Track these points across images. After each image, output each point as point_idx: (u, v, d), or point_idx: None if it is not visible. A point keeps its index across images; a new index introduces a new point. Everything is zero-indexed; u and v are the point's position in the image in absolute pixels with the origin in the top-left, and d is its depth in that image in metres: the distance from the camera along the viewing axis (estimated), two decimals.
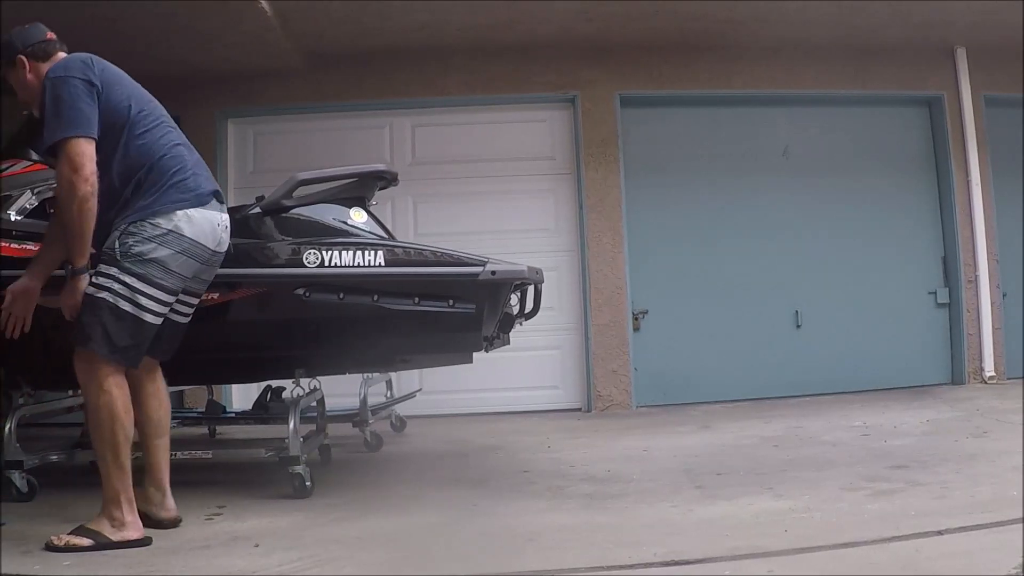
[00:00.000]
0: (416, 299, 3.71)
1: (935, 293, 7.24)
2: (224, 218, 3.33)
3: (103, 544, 3.00)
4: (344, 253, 3.71)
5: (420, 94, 6.96)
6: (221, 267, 3.53)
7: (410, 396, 5.90)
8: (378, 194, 4.32)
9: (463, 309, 3.72)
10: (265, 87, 6.86)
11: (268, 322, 3.81)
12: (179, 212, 3.14)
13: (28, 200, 3.95)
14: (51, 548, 2.98)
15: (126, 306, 3.04)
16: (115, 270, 3.05)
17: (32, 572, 2.78)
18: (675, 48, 6.80)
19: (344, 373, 4.51)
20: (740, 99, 7.12)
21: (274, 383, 5.27)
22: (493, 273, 3.71)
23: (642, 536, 2.99)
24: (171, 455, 3.49)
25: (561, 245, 6.87)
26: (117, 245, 3.06)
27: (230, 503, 3.71)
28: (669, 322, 6.85)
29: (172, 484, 3.40)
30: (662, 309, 6.84)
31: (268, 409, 5.23)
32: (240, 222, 3.88)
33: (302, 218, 3.96)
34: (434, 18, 6.23)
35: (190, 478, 4.20)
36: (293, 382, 4.03)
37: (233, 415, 5.64)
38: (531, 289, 4.26)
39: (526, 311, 4.28)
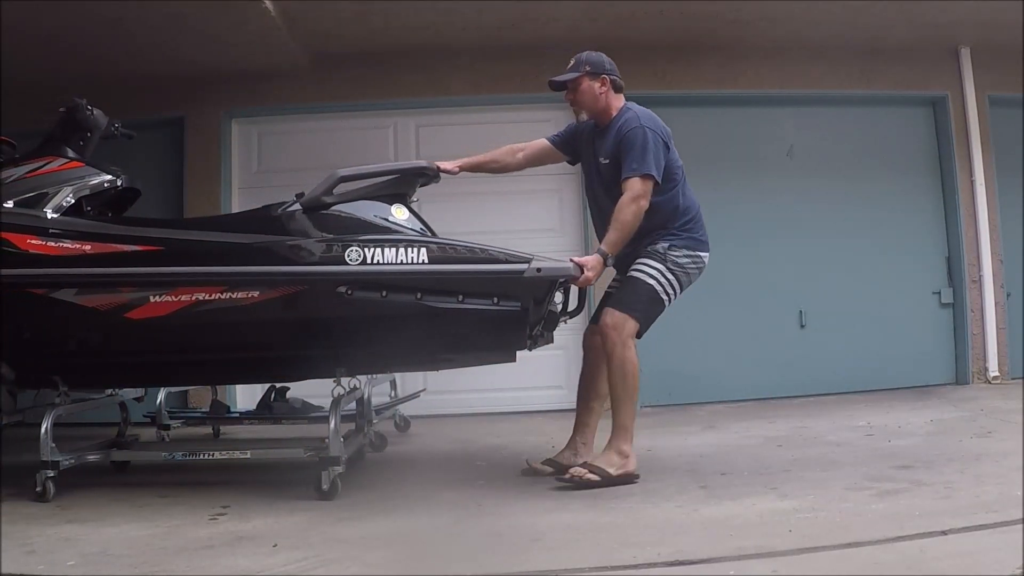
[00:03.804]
0: (460, 297, 3.67)
1: (939, 293, 7.23)
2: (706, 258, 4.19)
3: (606, 479, 3.79)
4: (387, 250, 3.66)
5: (425, 94, 6.96)
6: (261, 265, 3.59)
7: (414, 396, 5.89)
8: None
9: (508, 307, 3.69)
10: (270, 87, 6.86)
11: (309, 320, 3.76)
12: (703, 254, 4.16)
13: (65, 198, 3.95)
14: (565, 481, 3.82)
15: (663, 295, 4.02)
16: (663, 267, 4.01)
17: (35, 571, 2.79)
18: (680, 48, 6.80)
19: (385, 372, 4.44)
20: (745, 99, 7.12)
21: (278, 384, 5.30)
22: (538, 270, 3.67)
23: (647, 536, 3.00)
24: (207, 456, 3.85)
25: (566, 245, 6.86)
26: (666, 252, 4.03)
27: (234, 503, 3.71)
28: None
29: (175, 484, 3.42)
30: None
31: (272, 409, 5.24)
32: (279, 219, 3.88)
33: (343, 215, 3.89)
34: (439, 18, 6.24)
35: (194, 478, 4.21)
36: (334, 381, 3.97)
37: (237, 415, 5.65)
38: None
39: (569, 309, 4.20)
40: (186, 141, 6.90)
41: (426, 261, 3.66)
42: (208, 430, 5.69)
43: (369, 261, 3.65)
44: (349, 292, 3.65)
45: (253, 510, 3.59)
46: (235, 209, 6.81)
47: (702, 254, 4.16)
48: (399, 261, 3.65)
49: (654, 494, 3.67)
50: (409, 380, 6.21)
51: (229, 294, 3.70)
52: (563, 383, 6.84)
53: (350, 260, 3.66)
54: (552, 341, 4.29)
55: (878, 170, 7.20)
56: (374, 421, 5.05)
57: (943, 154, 7.29)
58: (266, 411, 5.28)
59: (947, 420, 5.35)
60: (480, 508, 3.56)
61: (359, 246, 3.66)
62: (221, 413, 5.51)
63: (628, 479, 3.86)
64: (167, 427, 5.25)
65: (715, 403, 6.66)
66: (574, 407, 6.76)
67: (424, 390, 6.07)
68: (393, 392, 5.73)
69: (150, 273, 3.76)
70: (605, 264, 3.91)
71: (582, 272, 3.81)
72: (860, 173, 7.17)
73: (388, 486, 4.00)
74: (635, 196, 3.89)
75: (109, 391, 4.63)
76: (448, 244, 3.77)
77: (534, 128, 6.95)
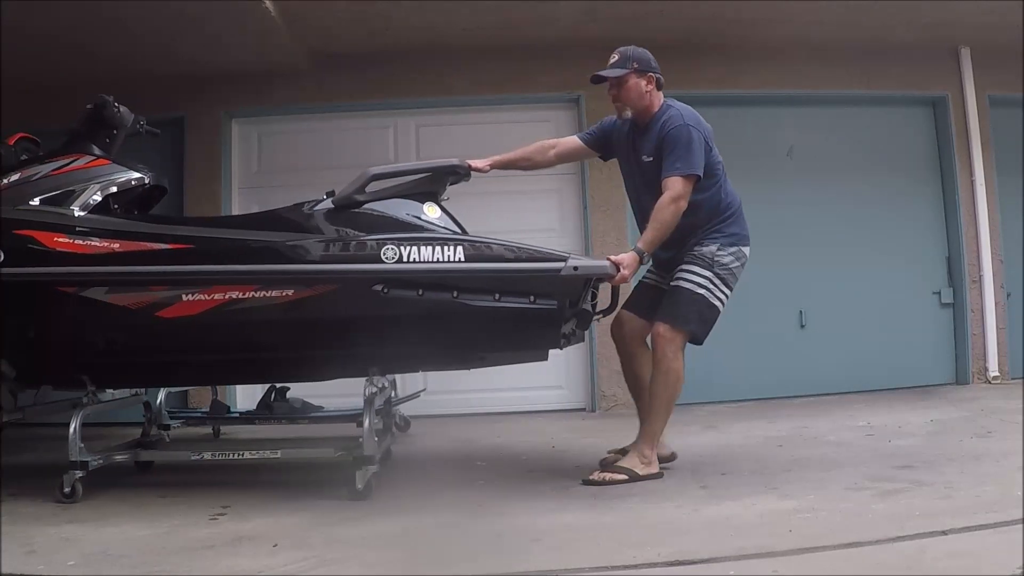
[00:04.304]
0: (497, 295, 3.67)
1: (939, 293, 7.23)
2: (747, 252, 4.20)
3: (633, 477, 3.87)
4: (423, 248, 3.65)
5: (425, 94, 6.96)
6: (294, 264, 3.60)
7: (414, 396, 5.89)
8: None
9: (544, 305, 3.68)
10: (270, 87, 6.86)
11: (344, 319, 3.74)
12: (746, 248, 4.18)
13: (93, 196, 3.94)
14: (591, 483, 3.86)
15: (716, 302, 4.05)
16: (711, 274, 4.02)
17: (35, 571, 2.78)
18: (681, 48, 6.78)
19: (417, 371, 4.42)
20: (745, 99, 7.11)
21: (278, 384, 5.30)
22: (575, 269, 3.67)
23: (647, 536, 3.00)
24: (234, 455, 3.99)
25: (566, 246, 6.84)
26: (713, 256, 4.05)
27: (234, 503, 3.71)
28: None
29: (175, 484, 3.42)
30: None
31: (272, 409, 5.24)
32: (311, 217, 3.87)
33: (375, 213, 3.88)
34: (439, 18, 6.24)
35: (194, 478, 4.21)
36: (366, 380, 3.95)
37: (237, 415, 5.65)
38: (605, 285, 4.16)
39: (601, 308, 4.18)
40: (186, 141, 6.90)
41: (462, 259, 3.65)
42: (208, 430, 5.69)
43: (405, 259, 3.64)
44: (385, 290, 3.64)
45: (253, 510, 3.58)
46: (235, 210, 6.81)
47: (744, 248, 4.17)
48: (435, 259, 3.64)
49: (654, 494, 3.67)
50: (409, 380, 6.21)
51: (263, 292, 3.68)
52: (563, 383, 6.85)
53: (386, 258, 3.64)
54: (583, 340, 4.27)
55: (878, 170, 7.20)
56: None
57: (943, 154, 7.29)
58: (266, 411, 5.28)
59: (947, 420, 5.35)
60: (480, 508, 3.56)
61: (395, 244, 3.66)
62: (221, 413, 5.51)
63: (653, 477, 3.96)
64: (167, 427, 5.24)
65: (715, 403, 6.66)
66: (574, 407, 6.85)
67: (424, 390, 6.07)
68: (393, 392, 5.72)
69: (186, 271, 3.74)
70: (641, 262, 3.92)
71: (618, 270, 3.81)
72: (860, 173, 7.17)
73: (389, 486, 4.00)
74: (675, 196, 3.89)
75: (134, 391, 4.63)
76: (483, 242, 3.76)
77: (534, 128, 6.98)
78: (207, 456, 4.08)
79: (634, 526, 3.17)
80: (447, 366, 4.51)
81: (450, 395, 6.44)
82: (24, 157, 4.10)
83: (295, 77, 6.82)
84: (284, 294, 3.66)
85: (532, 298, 3.67)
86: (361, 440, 3.79)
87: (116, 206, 4.14)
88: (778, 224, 7.02)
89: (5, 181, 3.90)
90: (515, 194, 6.82)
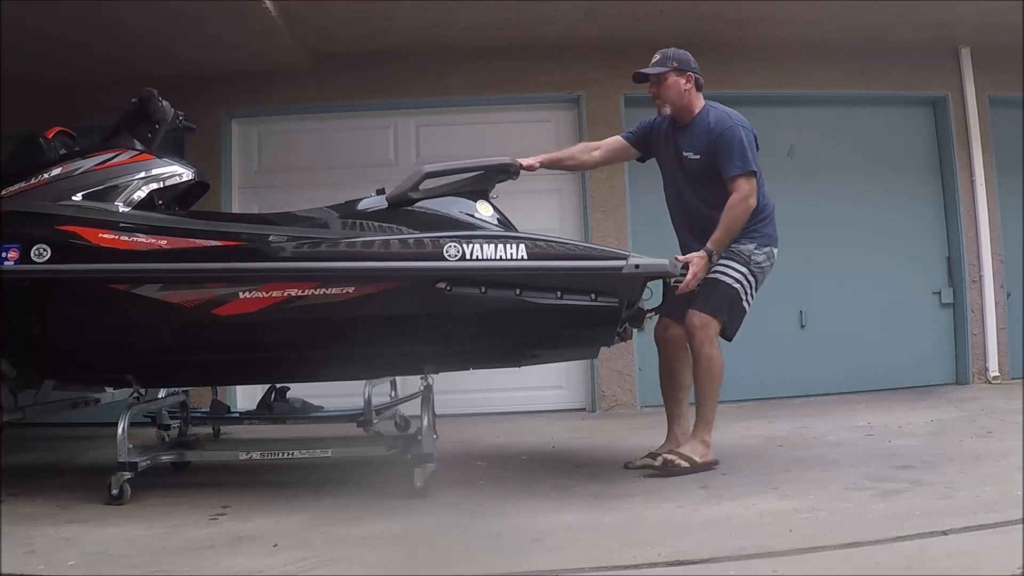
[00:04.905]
0: (559, 293, 3.66)
1: (939, 293, 7.23)
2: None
3: (693, 466, 4.00)
4: (486, 246, 3.64)
5: (425, 94, 6.96)
6: (354, 261, 3.60)
7: (414, 396, 5.86)
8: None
9: (606, 303, 3.69)
10: (270, 87, 6.86)
11: (405, 316, 3.70)
12: (776, 249, 4.29)
13: (137, 191, 3.88)
14: (661, 467, 4.01)
15: (744, 300, 4.15)
16: (747, 271, 4.13)
17: (35, 571, 2.79)
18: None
19: (468, 369, 4.42)
20: (745, 99, 7.06)
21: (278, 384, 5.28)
22: (636, 267, 3.68)
23: (647, 536, 3.00)
24: (285, 455, 4.01)
25: None
26: (751, 254, 4.15)
27: (234, 503, 3.71)
28: None
29: (175, 484, 3.42)
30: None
31: (272, 409, 5.23)
32: (365, 215, 3.87)
33: (429, 211, 3.88)
34: (439, 18, 6.24)
35: (194, 478, 4.21)
36: (421, 378, 3.94)
37: (238, 415, 5.64)
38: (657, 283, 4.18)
39: (652, 306, 4.20)
40: (186, 141, 6.88)
41: (525, 257, 3.65)
42: (208, 430, 5.68)
43: (468, 257, 3.63)
44: (448, 288, 3.62)
45: (253, 510, 3.58)
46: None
47: (775, 250, 4.28)
48: (499, 257, 3.63)
49: (654, 494, 3.67)
50: (409, 380, 6.20)
51: (323, 290, 3.64)
52: (563, 383, 6.85)
53: (448, 256, 3.63)
54: (631, 338, 4.28)
55: (878, 170, 7.20)
56: (374, 422, 5.00)
57: (943, 154, 7.29)
58: (266, 411, 5.27)
59: (947, 420, 5.35)
60: (480, 508, 3.56)
61: (458, 242, 3.65)
62: (221, 413, 5.50)
63: (710, 466, 4.09)
64: (167, 427, 5.24)
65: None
66: (574, 407, 6.85)
67: None
68: (393, 392, 5.72)
69: (253, 268, 3.70)
70: (710, 262, 4.03)
71: (686, 269, 3.90)
72: (860, 173, 7.17)
73: (389, 486, 4.00)
74: (744, 196, 4.04)
75: (173, 390, 4.63)
76: (543, 240, 3.75)
77: (534, 128, 7.00)
78: (256, 456, 4.06)
79: (634, 526, 3.17)
80: (498, 363, 4.51)
81: (450, 395, 6.41)
82: (62, 152, 4.00)
83: (295, 77, 6.82)
84: (344, 291, 3.62)
85: (593, 296, 3.68)
86: (419, 438, 3.83)
87: (160, 202, 4.06)
88: (778, 224, 7.00)
89: (46, 176, 3.83)
90: (515, 194, 6.73)
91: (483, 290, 3.63)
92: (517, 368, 4.43)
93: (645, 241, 6.82)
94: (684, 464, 4.00)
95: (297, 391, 5.32)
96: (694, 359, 4.15)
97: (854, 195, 7.13)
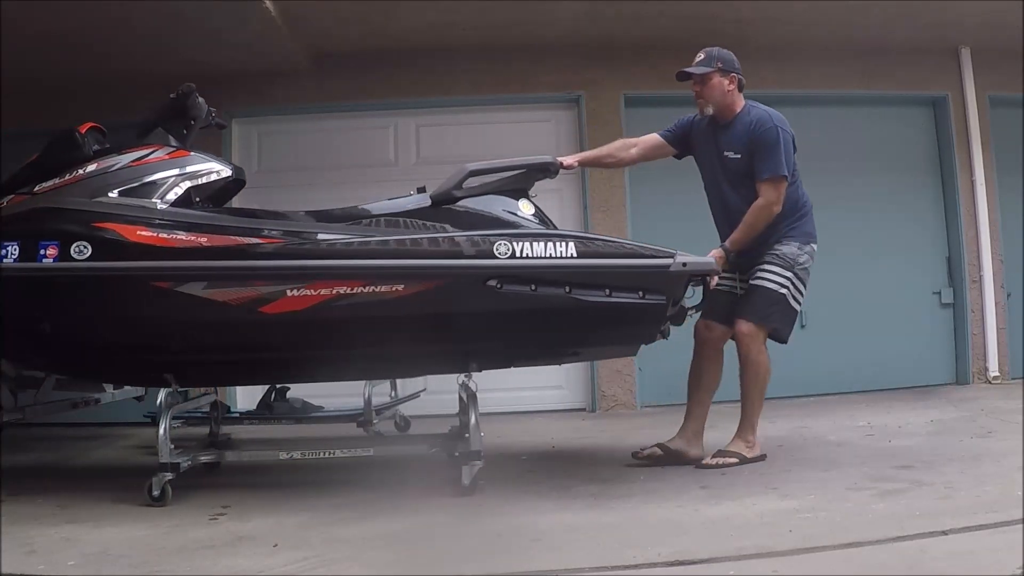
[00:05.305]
0: (608, 291, 3.68)
1: (939, 293, 7.24)
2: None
3: (742, 459, 4.12)
4: (536, 244, 3.66)
5: (425, 94, 6.96)
6: (401, 259, 3.62)
7: (414, 396, 5.87)
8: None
9: (653, 301, 3.72)
10: (270, 87, 6.86)
11: (454, 314, 3.70)
12: (816, 246, 4.32)
13: (175, 188, 3.82)
14: (706, 467, 4.10)
15: (794, 302, 4.23)
16: (791, 275, 4.18)
17: (35, 571, 2.78)
18: (681, 48, 6.68)
19: (510, 367, 4.42)
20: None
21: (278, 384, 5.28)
22: (684, 265, 3.72)
23: (648, 536, 3.00)
24: (326, 454, 4.03)
25: None
26: (795, 257, 4.20)
27: (234, 503, 3.71)
28: None
29: (175, 484, 3.42)
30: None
31: (272, 409, 5.23)
32: (407, 213, 3.88)
33: (473, 210, 3.90)
34: (439, 18, 6.24)
35: (193, 479, 4.20)
36: (466, 376, 3.94)
37: (238, 415, 5.64)
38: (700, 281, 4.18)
39: (694, 304, 4.22)
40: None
41: (575, 255, 3.67)
42: (207, 430, 5.67)
43: (519, 255, 3.64)
44: (499, 286, 3.63)
45: (253, 510, 3.58)
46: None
47: (815, 246, 4.33)
48: (549, 255, 3.65)
49: (654, 494, 3.67)
50: (409, 380, 6.20)
51: (372, 288, 3.62)
52: (563, 383, 6.85)
53: (499, 254, 3.64)
54: (669, 335, 4.29)
55: (878, 170, 7.20)
56: (374, 422, 5.01)
57: (943, 154, 7.29)
58: (266, 411, 5.27)
59: (947, 420, 5.35)
60: (481, 508, 3.56)
61: (508, 240, 3.66)
62: (221, 413, 5.50)
63: (759, 459, 4.21)
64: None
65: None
66: (574, 407, 6.84)
67: (424, 390, 6.05)
68: (393, 392, 5.72)
69: (306, 266, 3.67)
70: (727, 261, 4.13)
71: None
72: (860, 173, 7.16)
73: (389, 486, 4.00)
74: (769, 202, 4.12)
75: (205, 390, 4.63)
76: (590, 238, 3.81)
77: (534, 128, 7.00)
78: (296, 456, 4.05)
79: (634, 526, 3.17)
80: (541, 361, 4.53)
81: (450, 395, 6.36)
82: (95, 147, 3.94)
83: (295, 77, 6.82)
84: (394, 289, 3.61)
85: (641, 293, 3.71)
86: (467, 435, 3.84)
87: (198, 199, 4.02)
88: None
89: (81, 172, 3.77)
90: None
91: (533, 288, 3.65)
92: (516, 368, 4.42)
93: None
94: (733, 460, 4.12)
95: (297, 391, 5.32)
96: (742, 364, 4.25)
97: (854, 195, 7.11)
